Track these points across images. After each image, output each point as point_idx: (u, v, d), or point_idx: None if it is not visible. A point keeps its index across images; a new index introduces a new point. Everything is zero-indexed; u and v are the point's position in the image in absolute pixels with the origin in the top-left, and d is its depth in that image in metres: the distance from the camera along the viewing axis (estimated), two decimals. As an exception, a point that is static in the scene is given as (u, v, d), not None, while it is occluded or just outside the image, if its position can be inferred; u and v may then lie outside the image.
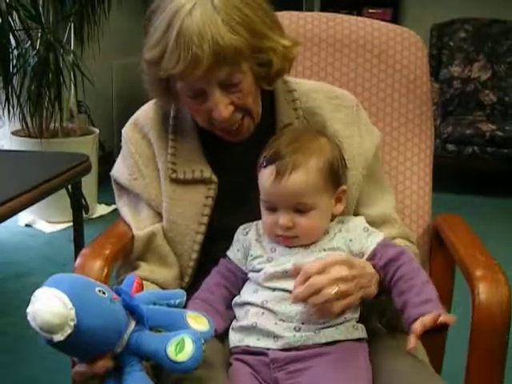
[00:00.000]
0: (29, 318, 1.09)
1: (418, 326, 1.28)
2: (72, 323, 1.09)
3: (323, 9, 5.85)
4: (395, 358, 1.38)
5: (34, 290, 1.11)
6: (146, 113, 1.59)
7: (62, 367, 1.91)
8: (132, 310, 1.20)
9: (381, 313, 1.50)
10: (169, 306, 1.29)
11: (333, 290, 1.28)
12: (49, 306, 1.08)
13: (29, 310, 1.09)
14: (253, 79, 1.43)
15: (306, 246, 1.41)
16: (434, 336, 1.31)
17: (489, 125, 5.15)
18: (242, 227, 1.51)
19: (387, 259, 1.38)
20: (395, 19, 5.67)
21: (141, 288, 1.32)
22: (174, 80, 1.41)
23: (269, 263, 1.41)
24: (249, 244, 1.47)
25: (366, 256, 1.41)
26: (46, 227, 4.28)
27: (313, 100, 1.56)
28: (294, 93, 1.56)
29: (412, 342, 1.29)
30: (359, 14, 5.21)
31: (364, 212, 1.54)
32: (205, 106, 1.42)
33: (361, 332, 1.39)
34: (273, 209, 1.40)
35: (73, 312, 1.09)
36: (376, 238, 1.43)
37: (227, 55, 1.34)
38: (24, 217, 4.32)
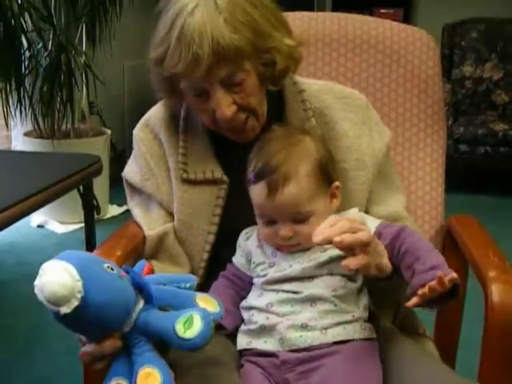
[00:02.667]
0: (36, 290, 1.07)
1: (425, 290, 1.22)
2: (79, 295, 1.07)
3: (334, 9, 5.85)
4: (407, 359, 1.36)
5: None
6: (157, 113, 1.60)
7: (74, 368, 1.91)
8: (141, 289, 1.18)
9: (393, 312, 1.49)
10: (179, 288, 1.28)
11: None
12: (56, 277, 1.07)
13: (36, 282, 1.08)
14: (257, 79, 1.42)
15: (307, 248, 1.40)
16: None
17: (501, 125, 5.13)
18: (244, 232, 1.51)
19: (391, 237, 1.36)
20: (406, 19, 5.68)
21: (151, 273, 1.31)
22: (177, 79, 1.41)
23: (271, 268, 1.41)
24: (250, 251, 1.47)
25: None
26: (57, 228, 4.29)
27: (322, 101, 1.55)
28: (304, 93, 1.55)
29: (413, 301, 1.24)
30: (370, 15, 5.16)
31: (374, 211, 1.53)
32: (208, 105, 1.42)
33: (369, 332, 1.37)
34: (271, 222, 1.39)
35: (80, 284, 1.08)
36: (374, 222, 1.41)
37: (228, 54, 1.33)
38: (36, 218, 4.34)
